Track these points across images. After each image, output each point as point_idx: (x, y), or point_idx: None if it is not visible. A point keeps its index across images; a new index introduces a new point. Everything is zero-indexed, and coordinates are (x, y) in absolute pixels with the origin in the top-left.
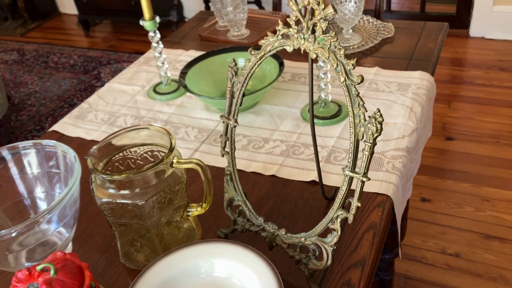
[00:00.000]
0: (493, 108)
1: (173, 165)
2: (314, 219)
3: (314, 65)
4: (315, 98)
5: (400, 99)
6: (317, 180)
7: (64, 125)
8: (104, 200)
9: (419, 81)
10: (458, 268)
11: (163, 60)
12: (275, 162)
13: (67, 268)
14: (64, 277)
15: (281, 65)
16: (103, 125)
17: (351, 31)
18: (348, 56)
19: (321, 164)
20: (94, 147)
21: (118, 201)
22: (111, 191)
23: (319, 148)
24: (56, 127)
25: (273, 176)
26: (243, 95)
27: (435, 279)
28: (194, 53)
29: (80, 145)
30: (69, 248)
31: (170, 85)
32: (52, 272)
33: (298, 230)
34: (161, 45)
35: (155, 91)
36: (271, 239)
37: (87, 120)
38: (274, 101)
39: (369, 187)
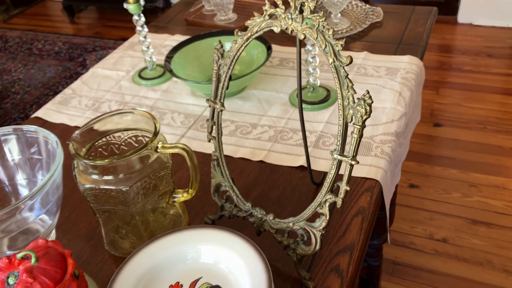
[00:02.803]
0: (480, 94)
1: (158, 150)
2: (302, 204)
3: (302, 49)
4: (303, 83)
5: (389, 84)
6: (305, 165)
7: (47, 111)
8: (87, 186)
9: (408, 65)
10: (446, 253)
11: (148, 45)
12: (263, 147)
13: (49, 255)
14: (46, 265)
15: (269, 49)
16: (87, 111)
17: (339, 15)
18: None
19: (309, 149)
20: (76, 132)
21: (102, 187)
22: (94, 177)
23: (307, 134)
24: (39, 113)
25: (261, 161)
26: (230, 78)
27: (423, 265)
28: (180, 38)
29: (64, 132)
30: (52, 236)
31: (156, 70)
32: (33, 260)
33: (286, 216)
34: (146, 29)
35: (140, 76)
36: (259, 225)
37: (71, 106)
38: (262, 86)
39: (357, 172)
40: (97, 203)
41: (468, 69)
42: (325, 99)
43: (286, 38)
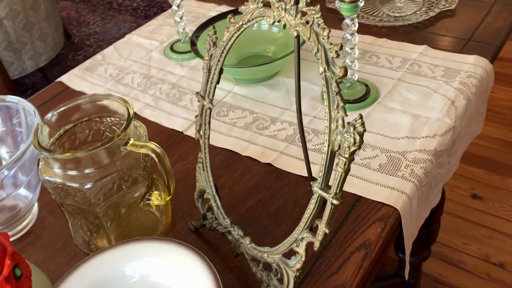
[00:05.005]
0: None
1: (127, 147)
2: None
3: (342, 33)
4: None
5: (442, 88)
6: (316, 175)
7: (72, 77)
8: (46, 178)
9: (472, 68)
10: (500, 280)
11: (181, 15)
12: (275, 148)
13: None
14: None
15: None
16: (110, 81)
17: None
18: (371, 33)
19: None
20: (50, 113)
21: (59, 181)
22: (56, 170)
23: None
24: (63, 78)
25: (268, 164)
26: (221, 72)
27: None
28: (225, 9)
29: None
30: (34, 211)
31: (188, 43)
32: None
33: (279, 233)
34: None
35: (172, 49)
36: (235, 246)
37: (96, 74)
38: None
39: (375, 194)
40: (59, 197)
41: None
42: (363, 98)
43: (333, 20)
